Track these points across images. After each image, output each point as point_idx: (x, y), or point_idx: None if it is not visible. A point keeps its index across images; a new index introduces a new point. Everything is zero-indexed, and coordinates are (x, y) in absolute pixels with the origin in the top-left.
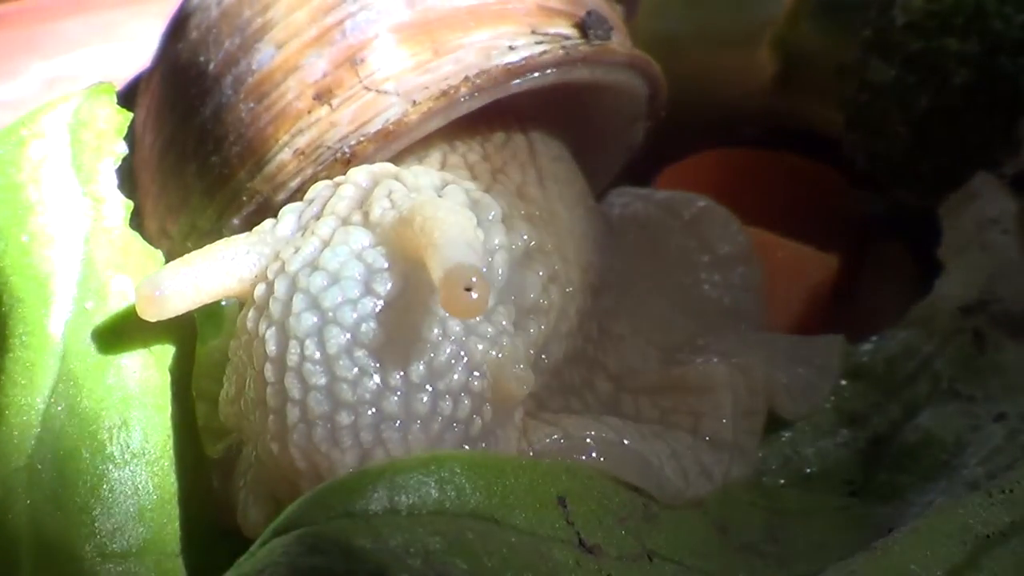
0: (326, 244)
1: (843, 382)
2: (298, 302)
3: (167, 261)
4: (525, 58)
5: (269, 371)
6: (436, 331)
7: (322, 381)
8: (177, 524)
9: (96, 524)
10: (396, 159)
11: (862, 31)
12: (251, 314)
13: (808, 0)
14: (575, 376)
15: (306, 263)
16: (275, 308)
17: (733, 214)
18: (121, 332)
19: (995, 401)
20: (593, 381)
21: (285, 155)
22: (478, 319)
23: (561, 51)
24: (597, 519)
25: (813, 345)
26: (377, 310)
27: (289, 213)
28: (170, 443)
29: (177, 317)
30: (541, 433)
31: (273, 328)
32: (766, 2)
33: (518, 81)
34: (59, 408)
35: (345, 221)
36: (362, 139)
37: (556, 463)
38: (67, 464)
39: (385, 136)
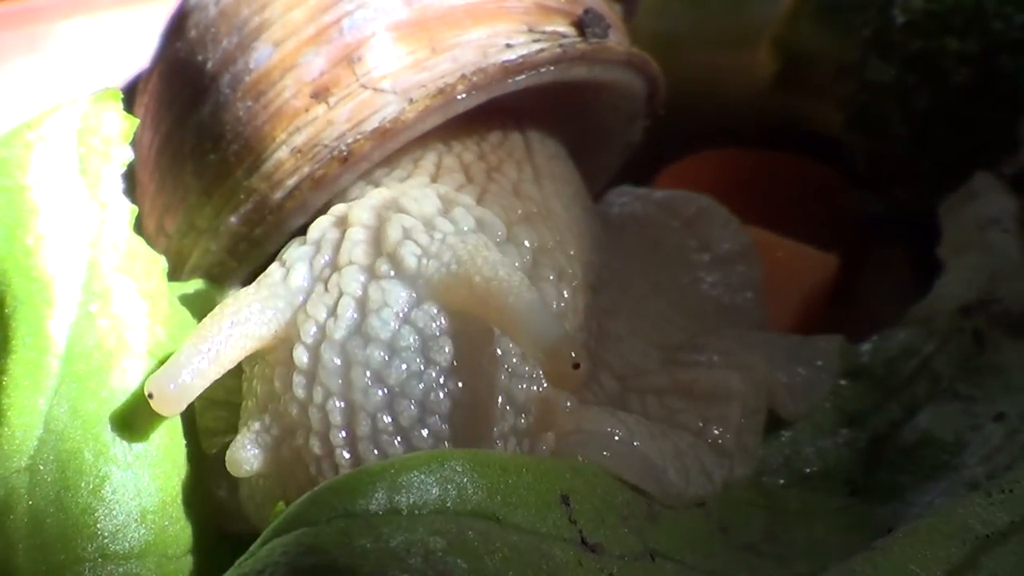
0: (362, 304)
1: (843, 382)
2: (359, 376)
3: (166, 259)
4: (522, 56)
5: (338, 437)
6: (488, 385)
7: (399, 449)
8: (179, 526)
9: (98, 525)
10: (392, 159)
11: (862, 31)
12: (297, 379)
13: (808, 0)
14: None
15: (352, 331)
16: (331, 381)
17: (733, 214)
18: (124, 334)
19: (995, 401)
20: (598, 376)
21: (282, 153)
22: (515, 360)
23: (558, 49)
24: (600, 518)
25: (813, 345)
26: (441, 379)
27: (299, 262)
28: (172, 445)
29: (176, 320)
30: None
31: (334, 399)
32: (766, 2)
33: (515, 79)
34: (62, 410)
35: (373, 273)
36: (359, 137)
37: (559, 461)
38: (69, 465)
39: (382, 134)
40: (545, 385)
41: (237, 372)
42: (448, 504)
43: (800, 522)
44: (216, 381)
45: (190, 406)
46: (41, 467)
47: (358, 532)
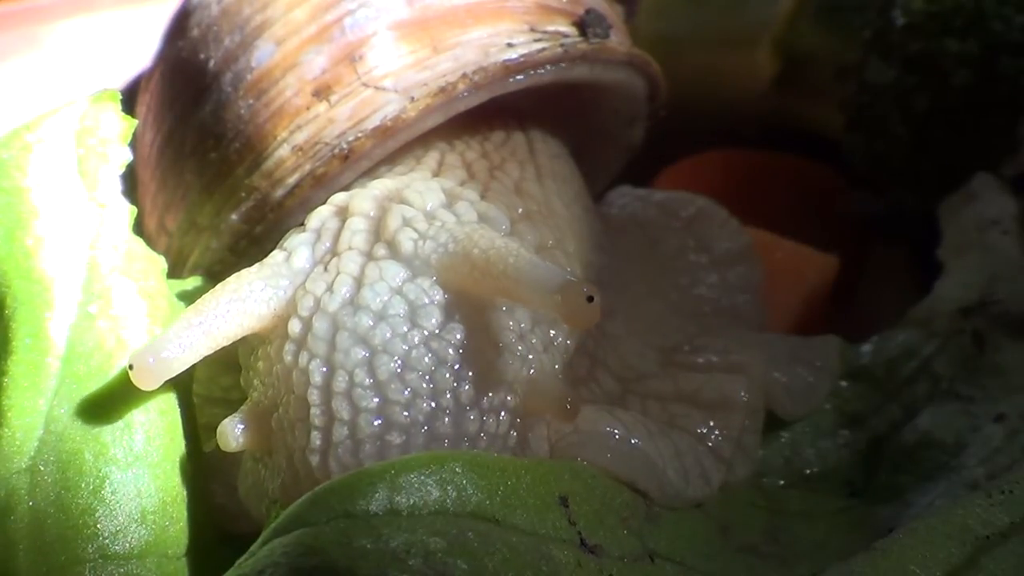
0: (358, 281)
1: (843, 383)
2: (344, 339)
3: (167, 257)
4: (523, 55)
5: (314, 396)
6: (476, 354)
7: (373, 404)
8: (179, 526)
9: (98, 526)
10: (394, 156)
11: (862, 32)
12: (288, 347)
13: (808, 1)
14: (582, 368)
15: (345, 302)
16: (318, 345)
17: (733, 214)
18: (123, 335)
19: (995, 402)
20: (597, 376)
21: (284, 151)
22: (511, 338)
23: (560, 49)
24: (599, 519)
25: (812, 346)
26: (425, 339)
27: (302, 246)
28: (172, 446)
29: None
30: (554, 427)
31: (317, 360)
32: (766, 3)
33: (516, 78)
34: (62, 410)
35: (370, 256)
36: (360, 135)
37: (558, 463)
38: (70, 466)
39: (383, 132)
40: (534, 369)
41: (235, 369)
42: (448, 505)
43: (800, 523)
44: (213, 380)
45: (190, 406)
46: (41, 468)
47: (358, 533)
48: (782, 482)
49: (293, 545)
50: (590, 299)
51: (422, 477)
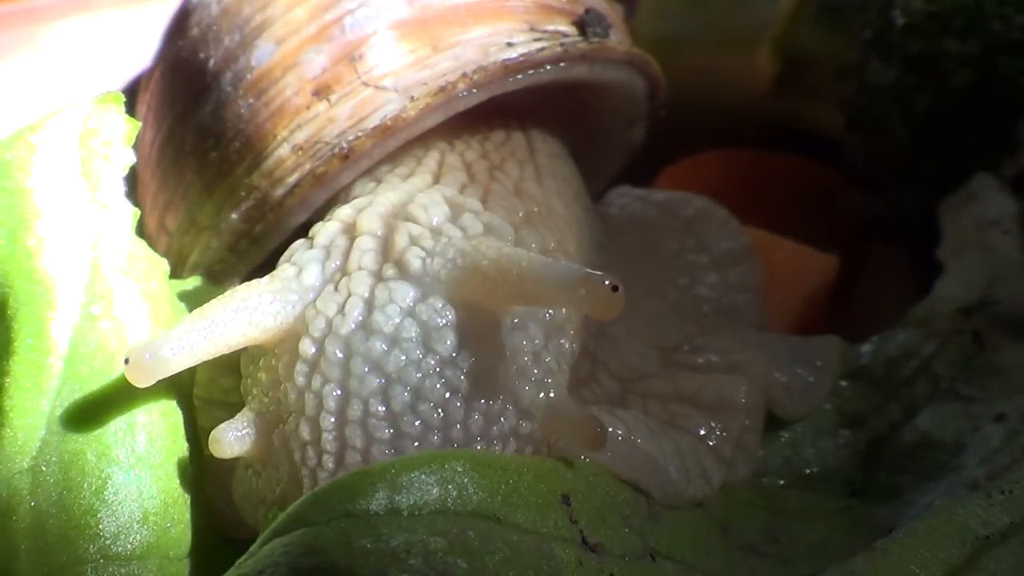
0: (369, 304)
1: (843, 383)
2: (358, 365)
3: (168, 257)
4: (523, 55)
5: (327, 421)
6: (489, 381)
7: (387, 435)
8: (180, 528)
9: (100, 527)
10: (394, 156)
11: (862, 32)
12: (300, 367)
13: (808, 1)
14: (582, 368)
15: (358, 326)
16: (332, 370)
17: (733, 214)
18: (126, 336)
19: (995, 402)
20: (598, 376)
21: (283, 151)
22: (526, 360)
23: (559, 48)
24: (600, 518)
25: (812, 346)
26: (439, 367)
27: (312, 263)
28: (175, 447)
29: (177, 321)
30: None
31: (331, 384)
32: (766, 3)
33: (516, 78)
34: (64, 411)
35: (380, 276)
36: (360, 134)
37: (560, 461)
38: (72, 467)
39: (383, 132)
40: (554, 393)
41: (236, 371)
42: (449, 504)
43: (800, 523)
44: (214, 382)
45: (192, 408)
46: (43, 468)
47: (358, 532)
48: (782, 482)
49: (293, 545)
50: (614, 288)
51: (422, 476)
